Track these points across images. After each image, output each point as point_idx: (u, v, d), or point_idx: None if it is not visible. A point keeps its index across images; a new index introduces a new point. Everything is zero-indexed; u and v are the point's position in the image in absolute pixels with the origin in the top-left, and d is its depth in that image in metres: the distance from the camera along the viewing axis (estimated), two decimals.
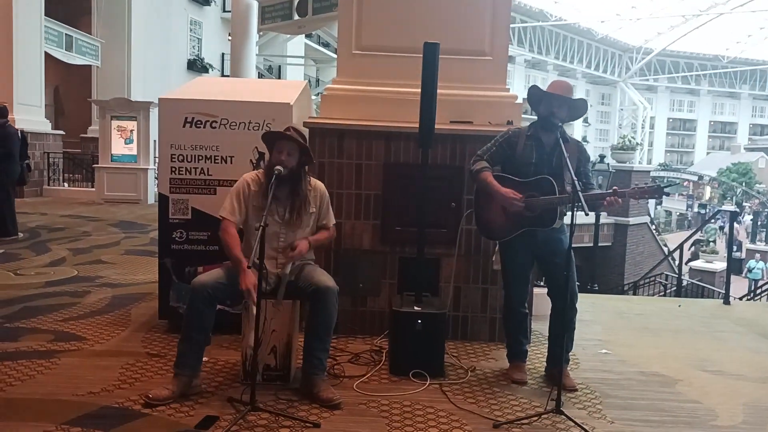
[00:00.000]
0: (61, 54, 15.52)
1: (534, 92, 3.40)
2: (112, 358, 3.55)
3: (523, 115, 4.32)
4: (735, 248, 17.73)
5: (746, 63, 61.17)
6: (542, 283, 3.95)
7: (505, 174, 3.39)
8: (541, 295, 3.85)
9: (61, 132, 14.76)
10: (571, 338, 3.48)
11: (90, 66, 17.02)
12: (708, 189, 49.85)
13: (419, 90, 3.56)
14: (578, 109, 3.42)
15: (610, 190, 3.18)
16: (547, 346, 3.60)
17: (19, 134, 7.76)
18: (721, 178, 45.28)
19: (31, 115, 12.66)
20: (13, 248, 6.98)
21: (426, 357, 3.46)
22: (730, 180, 44.48)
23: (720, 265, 16.54)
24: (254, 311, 2.94)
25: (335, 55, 5.47)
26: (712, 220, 23.54)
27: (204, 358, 3.18)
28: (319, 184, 3.36)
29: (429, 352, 3.47)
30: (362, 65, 4.20)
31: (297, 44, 24.25)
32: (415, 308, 3.52)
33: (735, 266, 16.54)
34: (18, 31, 12.70)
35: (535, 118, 3.45)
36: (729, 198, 42.94)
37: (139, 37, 17.60)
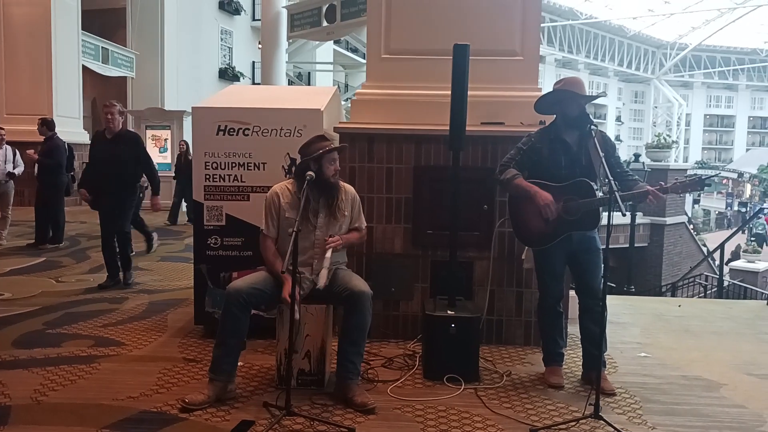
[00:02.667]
0: (97, 66, 15.97)
1: (555, 96, 3.33)
2: (150, 363, 3.62)
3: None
4: None
5: None
6: (571, 285, 3.88)
7: (537, 180, 3.33)
8: (575, 297, 3.78)
9: None
10: (604, 339, 3.41)
11: (125, 77, 17.45)
12: (748, 186, 48.41)
13: (449, 92, 3.54)
14: (592, 98, 3.44)
15: (654, 187, 3.12)
16: (582, 348, 3.53)
17: (66, 146, 8.02)
18: (762, 174, 43.94)
19: (70, 126, 13.02)
20: (54, 256, 7.19)
21: (460, 361, 3.43)
22: None
23: (762, 264, 16.01)
24: (296, 315, 2.95)
25: (364, 60, 5.49)
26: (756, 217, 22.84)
27: (239, 363, 3.21)
28: (350, 188, 3.38)
29: (463, 356, 3.44)
30: (391, 69, 4.20)
31: (326, 50, 24.46)
32: (449, 312, 3.50)
33: None
34: (57, 46, 13.10)
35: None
36: None
37: (172, 48, 17.99)
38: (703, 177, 3.16)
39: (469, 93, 3.54)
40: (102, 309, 4.84)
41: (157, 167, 5.95)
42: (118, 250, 5.70)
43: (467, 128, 3.58)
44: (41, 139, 7.91)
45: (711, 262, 14.19)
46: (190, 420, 2.86)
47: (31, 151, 7.75)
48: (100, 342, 4.00)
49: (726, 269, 13.27)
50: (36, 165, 7.70)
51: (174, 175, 11.01)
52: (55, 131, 7.97)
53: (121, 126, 5.46)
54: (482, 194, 4.00)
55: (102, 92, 18.73)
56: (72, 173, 9.23)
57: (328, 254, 3.11)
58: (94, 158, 5.57)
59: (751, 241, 19.03)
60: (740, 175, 45.65)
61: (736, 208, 44.05)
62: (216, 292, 3.98)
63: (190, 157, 10.64)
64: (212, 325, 3.96)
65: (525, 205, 3.35)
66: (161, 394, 3.15)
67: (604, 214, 3.27)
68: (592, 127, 3.20)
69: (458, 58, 3.50)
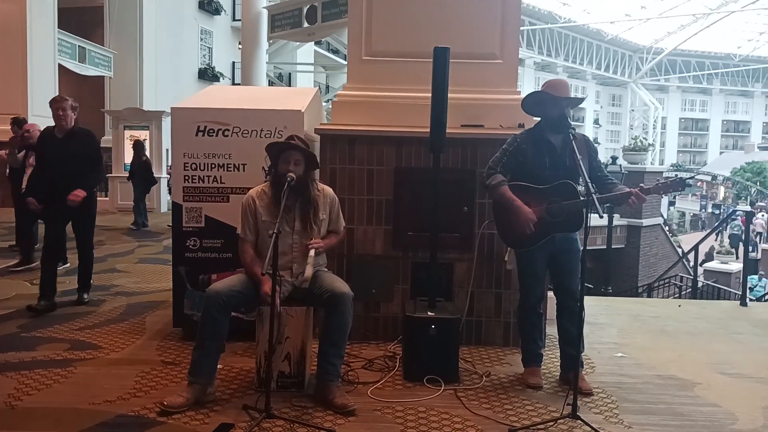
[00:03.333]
0: (74, 65, 15.73)
1: (537, 97, 3.38)
2: (127, 366, 3.58)
3: (534, 119, 4.30)
4: (751, 248, 17.52)
5: (759, 61, 60.45)
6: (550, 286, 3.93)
7: (521, 182, 3.36)
8: (554, 299, 3.82)
9: None
10: (581, 339, 3.46)
11: (103, 77, 17.22)
12: (722, 189, 49.35)
13: (430, 94, 3.56)
14: (576, 101, 3.45)
15: (636, 188, 3.18)
16: (559, 349, 3.57)
17: None
18: (735, 177, 44.80)
19: (45, 126, 12.80)
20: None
21: (440, 362, 3.44)
22: (744, 179, 44.00)
23: (736, 266, 16.33)
24: (278, 310, 2.95)
25: (344, 62, 5.48)
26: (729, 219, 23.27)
27: (218, 366, 3.19)
28: (328, 190, 3.37)
29: (443, 357, 3.46)
30: (372, 71, 4.21)
31: (307, 52, 24.40)
32: (429, 313, 3.51)
33: (751, 267, 16.36)
34: (32, 44, 12.89)
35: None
36: (743, 198, 42.47)
37: (151, 48, 17.80)
38: (684, 177, 3.22)
39: (450, 95, 3.56)
40: (78, 312, 4.76)
41: (105, 170, 5.55)
42: (78, 265, 5.10)
43: (447, 130, 3.61)
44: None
45: (686, 263, 14.43)
46: (169, 423, 2.84)
47: (1, 152, 7.59)
48: (76, 345, 3.94)
49: (700, 270, 13.50)
50: (7, 165, 7.54)
51: (128, 176, 10.77)
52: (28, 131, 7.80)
53: (73, 123, 4.80)
54: (462, 196, 4.03)
55: (79, 92, 18.43)
56: None
57: (312, 253, 3.10)
58: (43, 160, 4.90)
59: (723, 245, 19.39)
60: (714, 177, 46.49)
61: (710, 210, 44.81)
62: (195, 295, 3.95)
63: (143, 158, 10.59)
64: (191, 327, 3.93)
65: (507, 210, 3.38)
66: (139, 398, 3.11)
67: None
68: (571, 130, 3.24)
69: (438, 61, 3.52)
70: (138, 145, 10.89)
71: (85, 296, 5.06)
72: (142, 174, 10.36)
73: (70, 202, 4.61)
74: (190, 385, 3.03)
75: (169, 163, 10.08)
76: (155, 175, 11.60)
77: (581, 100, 3.49)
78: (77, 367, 3.55)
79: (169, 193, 10.40)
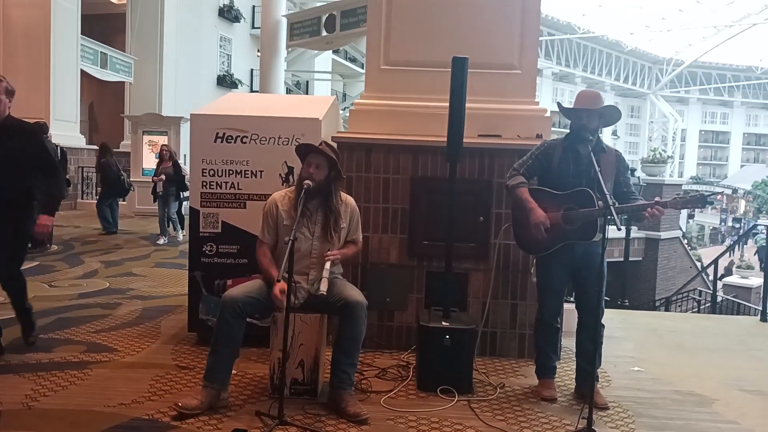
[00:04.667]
0: (96, 71, 15.99)
1: (560, 110, 3.39)
2: (142, 369, 3.60)
3: (552, 128, 4.28)
4: None
5: None
6: (571, 299, 3.88)
7: (542, 187, 3.35)
8: (570, 311, 3.79)
9: (95, 147, 15.12)
10: (599, 354, 3.42)
11: (123, 82, 17.47)
12: (742, 202, 48.69)
13: (447, 104, 3.57)
14: (611, 115, 3.36)
15: (652, 201, 3.14)
16: (576, 363, 3.53)
17: (58, 150, 7.98)
18: (756, 191, 44.18)
19: (67, 130, 13.03)
20: (47, 260, 7.16)
21: (454, 373, 3.42)
22: (766, 193, 43.34)
23: (756, 281, 16.07)
24: (283, 313, 2.95)
25: (362, 70, 5.51)
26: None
27: (232, 371, 3.20)
28: (350, 200, 3.38)
29: (457, 368, 3.43)
30: (390, 80, 4.23)
31: (324, 60, 24.55)
32: (443, 323, 3.50)
33: None
34: (55, 50, 13.12)
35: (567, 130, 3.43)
36: (764, 212, 41.84)
37: (171, 54, 18.03)
38: (705, 194, 3.18)
39: (467, 105, 3.56)
40: (95, 315, 4.81)
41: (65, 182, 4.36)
42: (10, 298, 3.90)
43: (465, 140, 3.60)
44: None
45: (705, 277, 14.23)
46: (182, 428, 2.85)
47: None
48: (93, 348, 3.98)
49: (719, 284, 13.31)
50: None
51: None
52: (47, 135, 7.88)
53: (8, 112, 3.67)
54: (478, 206, 4.02)
55: (100, 97, 18.76)
56: (67, 177, 9.18)
57: (327, 265, 3.10)
58: None
59: (743, 259, 19.08)
60: (734, 191, 45.89)
61: (730, 223, 44.23)
62: (210, 300, 3.97)
63: (105, 159, 9.91)
64: (206, 332, 3.95)
65: (524, 213, 3.37)
66: (153, 402, 3.13)
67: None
68: (604, 144, 3.24)
69: (457, 71, 3.52)
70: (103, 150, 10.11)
71: (33, 336, 3.96)
72: (108, 177, 9.83)
73: (38, 235, 3.64)
74: (205, 388, 3.04)
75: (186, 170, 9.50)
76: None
77: (613, 121, 3.41)
78: (93, 369, 3.58)
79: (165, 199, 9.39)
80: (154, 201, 9.79)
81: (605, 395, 3.42)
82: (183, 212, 9.75)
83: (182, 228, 9.48)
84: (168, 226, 9.37)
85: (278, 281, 2.98)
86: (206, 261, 4.03)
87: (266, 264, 3.20)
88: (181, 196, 9.53)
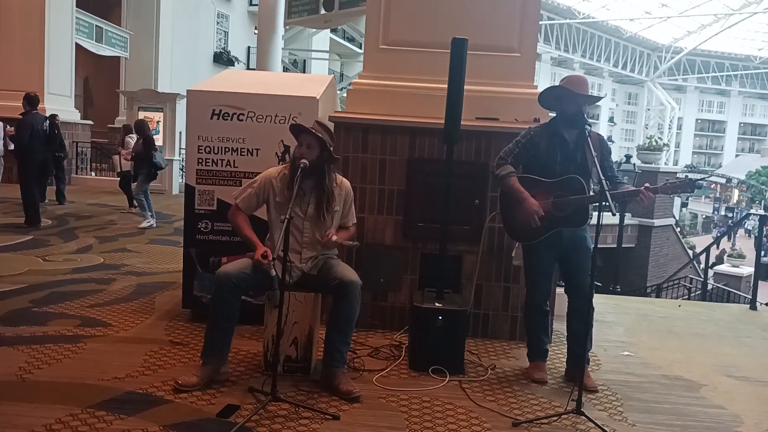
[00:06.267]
0: (91, 45, 15.80)
1: (555, 92, 3.36)
2: (136, 344, 3.62)
3: (550, 114, 4.28)
4: (763, 252, 17.35)
5: None
6: (561, 282, 3.92)
7: (531, 175, 3.36)
8: (561, 295, 3.83)
9: (90, 122, 15.03)
10: (590, 337, 3.45)
11: (119, 57, 17.29)
12: (736, 192, 48.90)
13: (446, 86, 3.55)
14: (594, 99, 3.43)
15: (642, 187, 3.16)
16: (566, 345, 3.57)
17: (46, 124, 7.89)
18: (750, 181, 44.35)
19: (61, 105, 12.89)
20: (41, 234, 7.14)
21: (446, 353, 3.46)
22: (760, 183, 43.54)
23: (746, 269, 16.21)
24: (272, 273, 3.01)
25: (360, 50, 5.47)
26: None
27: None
28: (346, 182, 3.36)
29: (449, 348, 3.47)
30: (389, 60, 4.20)
31: (322, 39, 24.33)
32: (437, 304, 3.52)
33: (763, 271, 16.22)
34: (50, 23, 12.94)
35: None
36: (758, 201, 42.07)
37: (167, 30, 17.84)
38: (694, 179, 3.19)
39: (466, 87, 3.55)
40: (89, 289, 4.82)
41: None
42: None
43: (462, 122, 3.60)
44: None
45: (696, 265, 14.34)
46: (176, 402, 2.87)
47: (9, 129, 7.65)
48: (87, 322, 3.99)
49: (710, 272, 13.42)
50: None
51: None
52: (36, 108, 7.77)
53: None
54: (474, 189, 4.02)
55: (95, 71, 18.56)
56: (62, 153, 9.12)
57: (334, 238, 3.15)
58: None
59: (735, 248, 19.18)
60: (728, 180, 46.05)
61: (723, 212, 44.45)
62: (205, 277, 3.98)
63: (56, 131, 9.19)
64: (200, 308, 3.97)
65: (513, 202, 3.38)
66: (147, 376, 3.15)
67: (593, 213, 3.31)
68: (587, 127, 3.23)
69: (456, 52, 3.51)
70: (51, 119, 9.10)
71: None
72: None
73: None
74: (204, 364, 3.06)
75: (183, 146, 8.96)
76: (168, 157, 11.50)
77: (599, 98, 3.46)
78: (87, 343, 3.59)
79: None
80: (121, 185, 9.54)
81: (595, 378, 3.46)
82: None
83: (151, 212, 8.36)
84: (134, 206, 8.98)
85: (273, 260, 2.99)
86: (201, 238, 4.03)
87: (247, 230, 3.18)
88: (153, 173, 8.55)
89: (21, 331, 3.73)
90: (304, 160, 3.05)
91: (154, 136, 12.54)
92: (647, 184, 3.20)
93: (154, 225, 8.31)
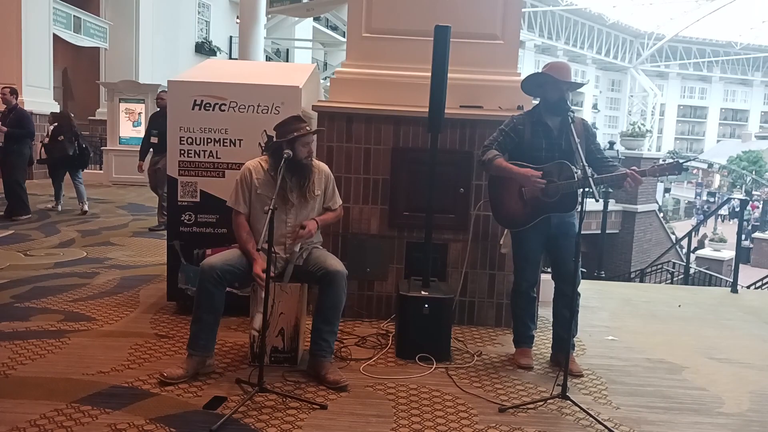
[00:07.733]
0: (69, 36, 15.51)
1: (538, 78, 3.37)
2: (121, 338, 3.59)
3: (534, 101, 4.29)
4: (744, 236, 17.62)
5: (759, 50, 60.29)
6: (548, 269, 3.94)
7: (516, 162, 3.36)
8: (547, 281, 3.86)
9: (70, 114, 14.77)
10: (575, 323, 3.48)
11: (98, 48, 17.01)
12: (717, 177, 49.47)
13: (429, 74, 3.54)
14: (576, 85, 3.45)
15: (629, 170, 3.17)
16: (552, 331, 3.60)
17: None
18: (731, 166, 44.86)
19: (39, 96, 12.68)
20: (23, 229, 7.04)
21: (432, 341, 3.47)
22: (740, 168, 44.09)
23: (728, 253, 16.45)
24: (262, 296, 2.97)
25: (343, 39, 5.43)
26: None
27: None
28: (323, 166, 3.36)
29: (435, 336, 3.48)
30: (372, 48, 4.18)
31: (305, 28, 24.15)
32: (423, 293, 3.53)
33: (743, 255, 16.46)
34: (27, 13, 12.68)
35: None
36: (739, 186, 42.61)
37: (147, 20, 17.57)
38: (680, 161, 3.22)
39: (449, 75, 3.54)
40: (72, 284, 4.77)
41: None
42: None
43: (446, 111, 3.59)
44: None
45: (678, 249, 14.52)
46: (162, 395, 2.86)
47: None
48: (70, 317, 3.95)
49: (692, 257, 13.60)
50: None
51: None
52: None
53: None
54: (459, 177, 4.03)
55: (74, 63, 18.25)
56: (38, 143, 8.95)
57: (297, 248, 3.19)
58: None
59: (716, 233, 19.45)
60: (710, 165, 46.53)
61: (705, 197, 44.97)
62: (189, 269, 3.96)
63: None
64: (185, 301, 3.94)
65: (504, 186, 3.38)
66: (133, 370, 3.13)
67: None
68: (570, 113, 3.23)
69: (439, 40, 3.49)
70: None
71: None
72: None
73: None
74: (190, 357, 3.05)
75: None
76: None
77: (581, 84, 3.47)
78: (71, 338, 3.56)
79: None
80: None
81: (580, 363, 3.50)
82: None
83: (59, 201, 8.22)
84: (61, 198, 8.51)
85: (258, 251, 2.98)
86: (185, 230, 4.00)
87: (245, 238, 3.18)
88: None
89: (3, 326, 3.68)
90: (288, 151, 3.03)
91: (137, 128, 12.51)
92: (634, 168, 3.22)
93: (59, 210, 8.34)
